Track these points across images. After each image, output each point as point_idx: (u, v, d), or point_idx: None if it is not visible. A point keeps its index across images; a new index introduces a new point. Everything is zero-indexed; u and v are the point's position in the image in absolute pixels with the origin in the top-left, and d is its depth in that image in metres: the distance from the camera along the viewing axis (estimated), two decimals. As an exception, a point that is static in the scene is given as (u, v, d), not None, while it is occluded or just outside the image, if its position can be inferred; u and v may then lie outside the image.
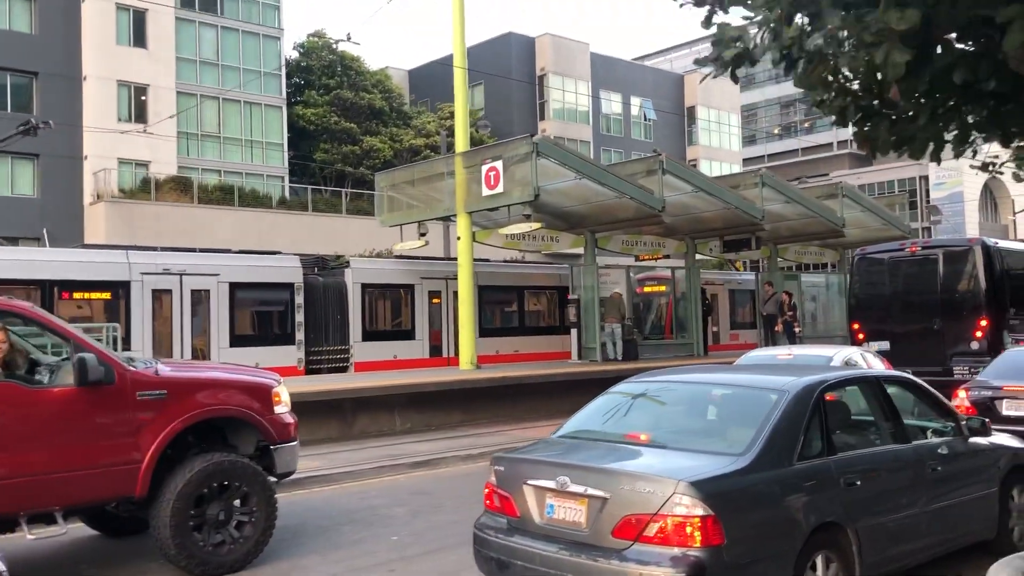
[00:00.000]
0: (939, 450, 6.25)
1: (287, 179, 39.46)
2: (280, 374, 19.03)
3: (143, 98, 34.99)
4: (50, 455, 6.36)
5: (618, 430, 5.89)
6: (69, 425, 6.45)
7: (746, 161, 56.30)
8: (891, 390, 6.35)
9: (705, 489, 4.62)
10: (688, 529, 4.56)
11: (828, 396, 5.67)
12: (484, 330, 23.22)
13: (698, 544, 4.51)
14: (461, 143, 19.59)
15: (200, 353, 18.81)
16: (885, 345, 15.49)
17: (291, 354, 19.99)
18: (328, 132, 41.45)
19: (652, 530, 4.65)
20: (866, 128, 4.17)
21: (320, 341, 20.62)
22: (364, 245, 28.11)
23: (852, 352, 12.26)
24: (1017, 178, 5.38)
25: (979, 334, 14.89)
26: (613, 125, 50.59)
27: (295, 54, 44.06)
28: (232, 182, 35.93)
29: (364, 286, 21.31)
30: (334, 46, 40.04)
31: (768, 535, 4.89)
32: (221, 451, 7.31)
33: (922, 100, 3.75)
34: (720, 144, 54.66)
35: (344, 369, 20.82)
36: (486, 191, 18.27)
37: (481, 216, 20.84)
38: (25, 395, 6.45)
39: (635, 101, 51.46)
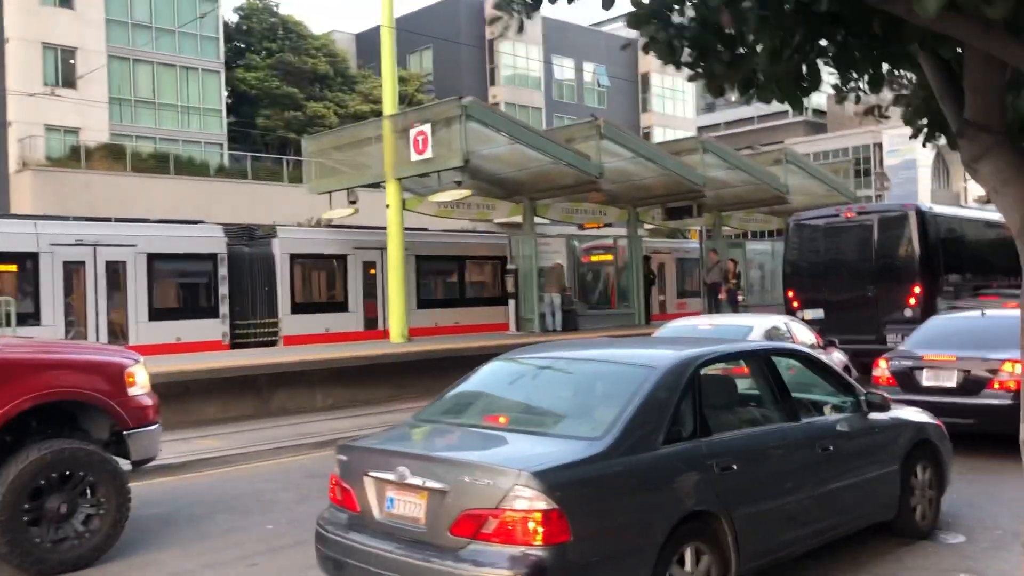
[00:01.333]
0: (834, 428, 5.79)
1: (226, 146, 38.27)
2: (204, 349, 18.59)
3: (71, 61, 33.54)
4: None
5: (478, 412, 5.37)
6: None
7: (701, 129, 55.85)
8: (784, 364, 5.87)
9: (548, 480, 4.10)
10: (529, 525, 4.04)
11: (705, 373, 5.18)
12: (422, 301, 22.65)
13: (540, 542, 4.02)
14: (389, 105, 18.79)
15: (118, 329, 17.98)
16: (819, 313, 15.15)
17: (215, 328, 19.22)
18: (270, 97, 40.25)
19: (491, 527, 4.12)
20: (700, 68, 3.64)
21: (246, 314, 19.85)
22: (306, 214, 27.22)
23: (777, 321, 11.87)
24: (909, 125, 4.87)
25: (912, 301, 14.58)
26: (566, 91, 49.83)
27: (235, 17, 42.67)
28: (168, 149, 34.69)
29: (293, 256, 20.54)
30: (275, 8, 38.73)
31: (624, 528, 4.39)
32: (68, 437, 6.62)
33: (758, 29, 3.24)
34: (675, 111, 54.19)
35: (273, 343, 20.10)
36: (415, 156, 17.55)
37: (415, 183, 20.14)
38: None
39: (588, 67, 50.69)
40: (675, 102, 54.27)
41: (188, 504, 8.30)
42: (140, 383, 6.94)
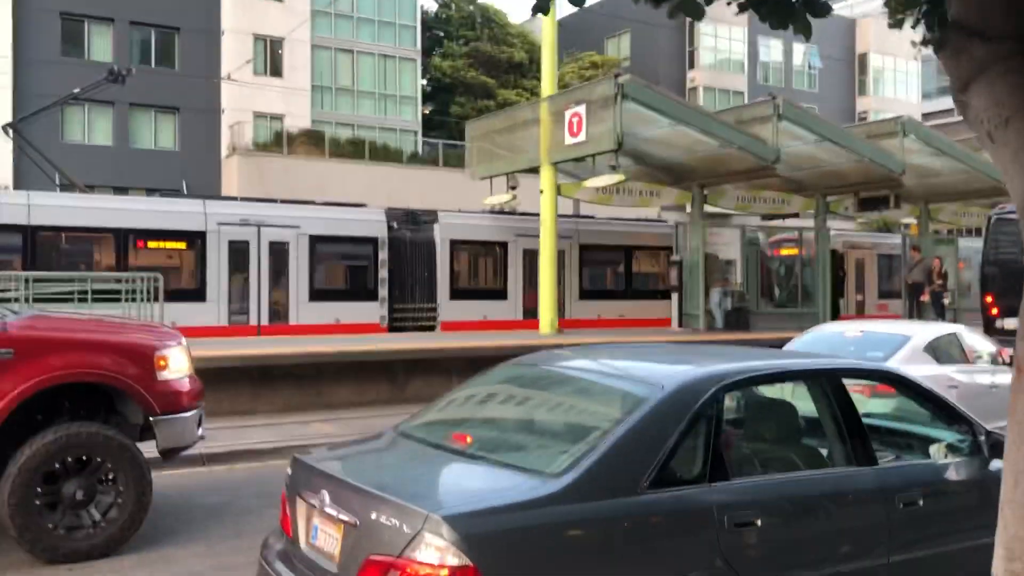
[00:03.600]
0: (929, 476, 4.37)
1: (420, 134, 39.06)
2: (363, 331, 18.76)
3: (279, 51, 35.41)
4: None
5: (450, 428, 4.43)
6: None
7: (926, 116, 50.83)
8: (859, 390, 4.51)
9: (465, 527, 3.14)
10: None
11: (732, 396, 4.08)
12: (584, 292, 21.80)
13: None
14: (547, 86, 18.00)
15: (279, 308, 18.48)
16: (1024, 324, 12.78)
17: (373, 311, 19.34)
18: (464, 86, 40.67)
19: None
20: None
21: (405, 298, 19.87)
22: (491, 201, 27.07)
23: (946, 330, 9.97)
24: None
25: None
26: (772, 74, 46.82)
27: (434, 6, 43.49)
28: (364, 136, 35.88)
29: (453, 242, 20.32)
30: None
31: None
32: (104, 421, 6.41)
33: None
34: (896, 95, 49.56)
35: (431, 328, 20.01)
36: (569, 139, 16.68)
37: (574, 168, 19.27)
38: None
39: (799, 48, 47.36)
40: (896, 85, 49.64)
41: (249, 495, 7.96)
42: (174, 367, 6.54)
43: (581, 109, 16.31)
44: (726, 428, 3.91)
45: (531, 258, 20.90)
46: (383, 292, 19.45)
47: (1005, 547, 2.57)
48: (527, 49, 43.11)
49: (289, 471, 4.22)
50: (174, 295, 16.45)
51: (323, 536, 3.72)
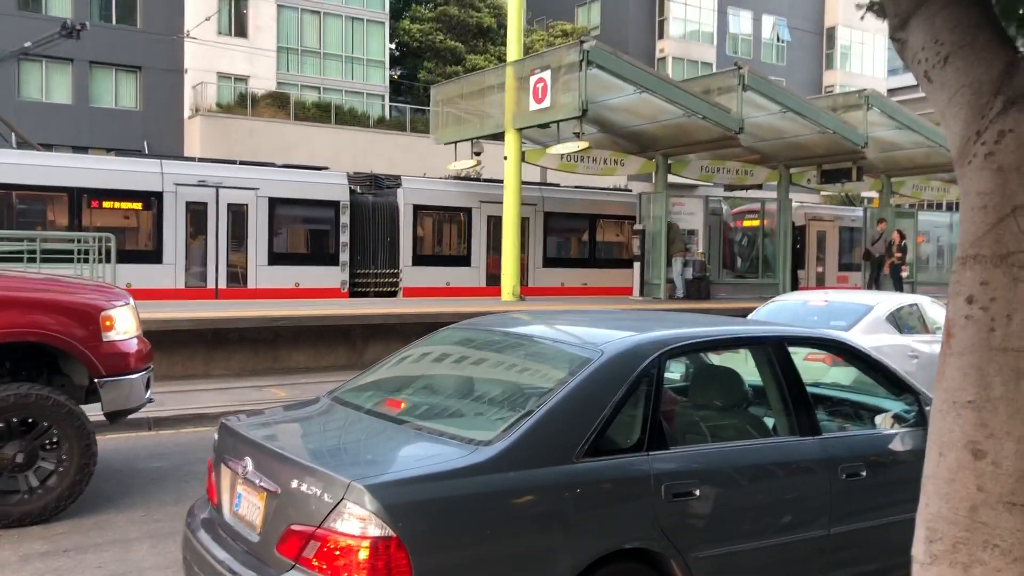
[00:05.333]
0: (873, 446, 4.32)
1: (387, 98, 38.55)
2: (323, 296, 18.54)
3: (244, 11, 34.64)
4: None
5: (384, 393, 4.32)
6: None
7: (892, 92, 51.08)
8: (809, 358, 4.46)
9: (387, 497, 3.02)
10: (357, 556, 2.99)
11: (675, 363, 4.01)
12: (548, 260, 21.74)
13: None
14: (514, 51, 17.76)
15: (238, 272, 18.19)
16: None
17: (334, 275, 19.12)
18: (432, 50, 40.11)
19: (312, 550, 3.12)
20: None
21: (367, 264, 19.66)
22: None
23: (908, 301, 10.03)
24: None
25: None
26: (741, 46, 46.70)
27: (403, -32, 42.73)
28: (330, 99, 35.34)
29: (417, 207, 20.09)
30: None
31: (502, 569, 3.24)
32: (48, 383, 6.24)
33: None
34: (862, 70, 49.72)
35: (393, 294, 19.84)
36: (534, 105, 16.50)
37: (539, 135, 19.10)
38: None
39: (768, 20, 47.29)
40: (863, 60, 49.77)
41: (195, 460, 7.81)
42: (121, 327, 6.31)
43: (546, 75, 16.13)
44: (667, 395, 3.84)
45: (495, 225, 20.75)
46: (344, 257, 19.22)
47: (927, 526, 2.46)
48: (496, 14, 42.56)
49: (216, 437, 4.10)
50: (130, 257, 16.15)
51: (246, 504, 3.61)
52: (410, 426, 3.74)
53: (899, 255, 21.56)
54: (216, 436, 4.12)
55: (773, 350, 4.24)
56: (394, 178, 20.53)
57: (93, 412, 6.40)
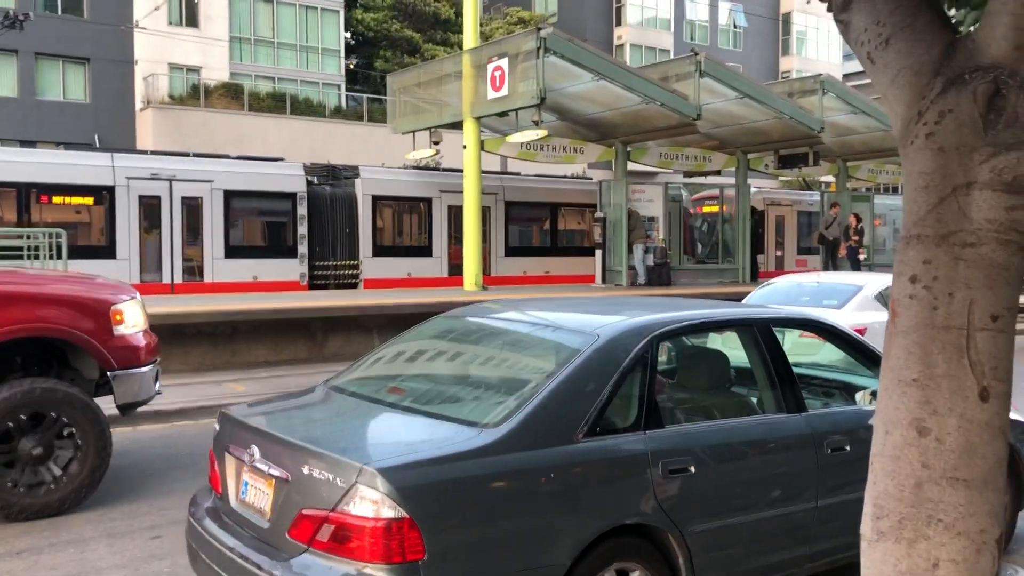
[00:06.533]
0: (856, 422, 4.45)
1: (343, 87, 38.18)
2: (282, 289, 18.36)
3: (195, 1, 34.06)
4: None
5: (384, 382, 4.48)
6: None
7: (847, 76, 51.73)
8: (792, 339, 4.68)
9: (399, 479, 3.13)
10: (369, 537, 3.11)
11: (668, 345, 4.28)
12: (510, 249, 21.72)
13: (382, 560, 3.08)
14: (470, 38, 17.67)
15: (194, 265, 17.94)
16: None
17: (292, 268, 18.93)
18: (389, 39, 39.78)
19: (326, 533, 3.23)
20: None
21: (326, 255, 19.49)
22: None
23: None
24: None
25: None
26: (698, 33, 47.00)
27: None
28: (285, 89, 34.91)
29: (376, 198, 19.95)
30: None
31: (509, 546, 3.35)
32: (57, 377, 6.32)
33: None
34: (818, 56, 50.29)
35: (353, 285, 19.70)
36: (492, 93, 16.44)
37: (498, 123, 19.04)
38: None
39: (724, 6, 47.60)
40: (819, 45, 50.35)
41: (152, 457, 7.71)
42: (130, 321, 6.44)
43: (503, 63, 16.07)
44: (660, 377, 3.96)
45: (456, 214, 20.67)
46: (302, 249, 19.04)
47: (874, 503, 2.47)
48: (453, 4, 42.33)
49: (217, 427, 4.18)
50: (83, 252, 15.82)
51: (253, 492, 3.70)
52: (413, 412, 3.89)
53: (856, 238, 21.88)
54: (217, 426, 4.18)
55: (759, 331, 4.41)
56: (352, 168, 20.35)
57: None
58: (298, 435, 3.78)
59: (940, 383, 2.34)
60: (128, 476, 7.07)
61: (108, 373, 6.28)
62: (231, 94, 33.33)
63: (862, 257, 22.36)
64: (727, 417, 4.30)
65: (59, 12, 31.64)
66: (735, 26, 48.38)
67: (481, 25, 42.93)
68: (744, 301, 10.52)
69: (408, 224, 21.07)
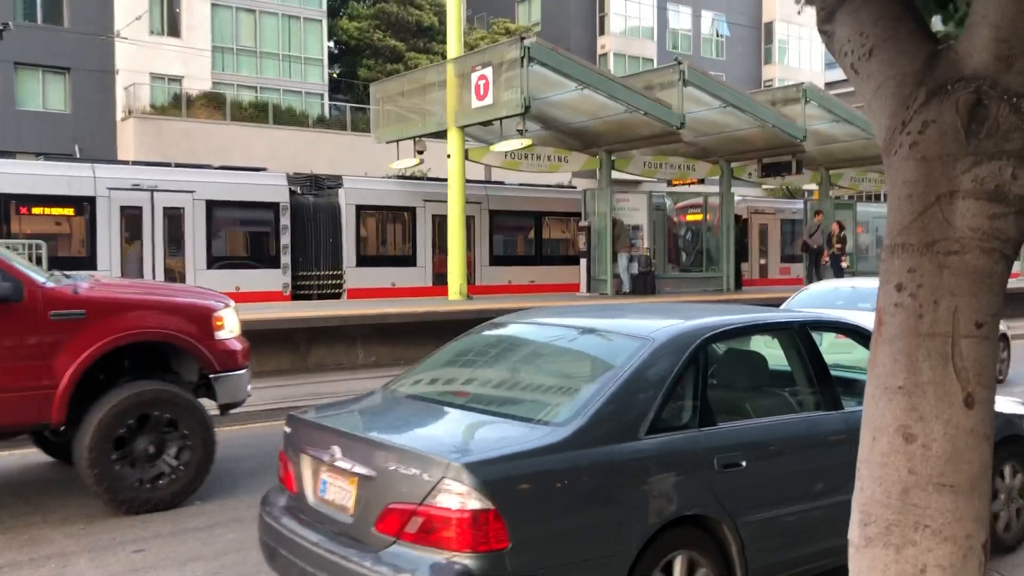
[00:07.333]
0: None
1: (326, 97, 38.11)
2: (265, 299, 18.26)
3: (176, 10, 33.94)
4: None
5: (447, 384, 4.76)
6: None
7: (830, 85, 52.17)
8: (828, 340, 5.07)
9: (484, 474, 3.36)
10: (458, 527, 3.33)
11: (717, 348, 4.46)
12: (495, 258, 21.73)
13: (470, 548, 3.32)
14: (454, 47, 17.71)
15: (176, 276, 17.83)
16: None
17: (275, 279, 18.85)
18: (372, 49, 39.78)
19: (414, 526, 3.44)
20: None
21: (310, 266, 19.42)
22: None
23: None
24: None
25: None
26: (681, 41, 47.28)
27: (340, -35, 42.30)
28: (268, 99, 34.81)
29: (359, 208, 19.91)
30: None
31: (584, 535, 3.59)
32: (159, 379, 6.65)
33: None
34: (800, 64, 50.71)
35: (337, 296, 19.64)
36: (476, 103, 16.48)
37: (482, 132, 19.07)
38: None
39: (707, 15, 47.92)
40: (801, 54, 50.75)
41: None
42: (229, 327, 6.84)
43: (488, 72, 16.11)
44: (711, 377, 4.23)
45: (440, 224, 20.65)
46: (285, 259, 18.98)
47: (861, 510, 2.51)
48: (436, 12, 42.37)
49: (288, 429, 4.37)
50: (63, 263, 15.59)
51: (333, 489, 3.88)
52: (482, 412, 4.14)
53: (839, 246, 22.03)
54: (287, 428, 4.37)
55: (798, 334, 4.67)
56: (335, 178, 20.32)
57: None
58: (381, 435, 4.02)
59: (926, 390, 2.36)
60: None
61: (210, 375, 6.70)
62: (213, 104, 33.18)
63: (845, 265, 22.51)
64: (770, 415, 4.51)
65: (39, 21, 31.46)
66: (718, 35, 48.72)
67: (465, 35, 43.14)
68: (784, 305, 11.23)
69: (392, 234, 21.04)
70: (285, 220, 18.81)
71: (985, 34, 2.32)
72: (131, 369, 6.63)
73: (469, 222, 19.64)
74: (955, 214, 2.34)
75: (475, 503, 3.30)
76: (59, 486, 7.10)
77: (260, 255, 18.90)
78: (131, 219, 17.16)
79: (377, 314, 15.12)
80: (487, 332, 5.09)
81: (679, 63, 17.95)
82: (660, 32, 46.00)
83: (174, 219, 17.65)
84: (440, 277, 20.90)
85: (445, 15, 42.28)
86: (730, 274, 21.81)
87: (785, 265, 26.87)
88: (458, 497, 3.32)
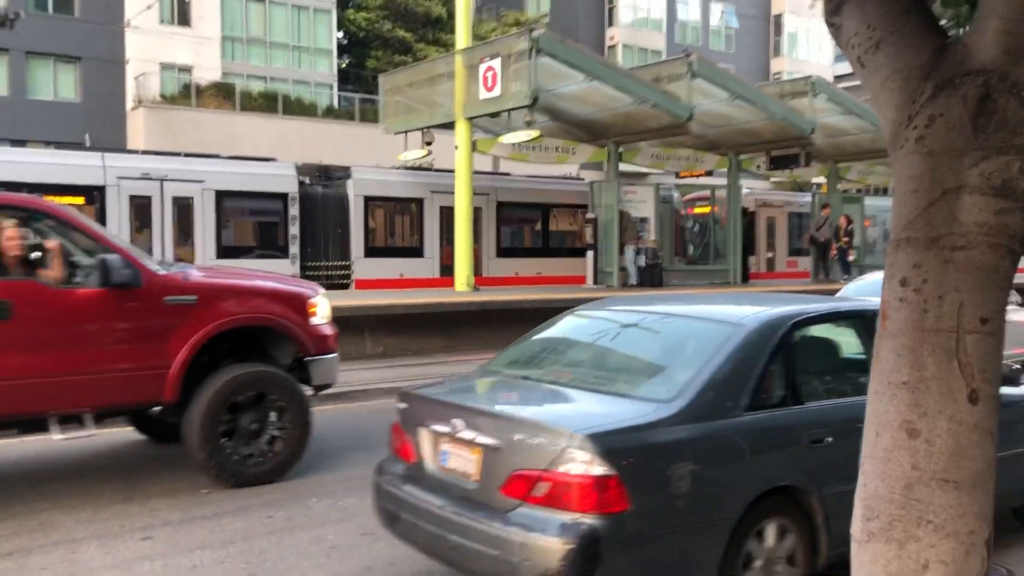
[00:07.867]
0: None
1: (336, 87, 38.08)
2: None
3: (186, 0, 33.94)
4: (73, 356, 6.14)
5: (545, 367, 5.05)
6: (93, 327, 6.23)
7: (838, 78, 51.88)
8: None
9: (606, 443, 3.72)
10: (582, 491, 3.69)
11: (801, 333, 4.65)
12: (502, 250, 21.70)
13: (594, 510, 3.67)
14: (463, 38, 17.67)
15: (185, 264, 17.86)
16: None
17: (284, 268, 18.77)
18: (381, 39, 39.71)
19: (541, 490, 3.78)
20: None
21: (318, 256, 19.43)
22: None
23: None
24: None
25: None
26: (690, 33, 47.05)
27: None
28: (277, 89, 34.80)
29: (367, 199, 19.90)
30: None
31: (693, 501, 3.94)
32: (258, 361, 7.01)
33: None
34: (809, 57, 50.43)
35: (345, 286, 19.65)
36: (484, 94, 16.44)
37: (490, 124, 19.04)
38: (46, 294, 6.10)
39: (716, 7, 47.69)
40: (810, 47, 50.48)
41: (149, 457, 7.68)
42: (322, 313, 7.20)
43: (496, 63, 16.08)
44: (797, 360, 4.50)
45: (448, 215, 20.60)
46: (294, 249, 18.99)
47: (864, 505, 2.52)
48: (445, 3, 42.29)
49: (402, 405, 4.71)
50: (72, 252, 15.74)
51: (455, 459, 4.21)
52: (589, 390, 4.45)
53: (846, 239, 21.98)
54: (401, 404, 4.70)
55: (873, 321, 4.72)
56: (344, 169, 20.30)
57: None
58: (502, 408, 4.36)
59: (930, 385, 2.36)
60: (114, 478, 7.05)
61: (306, 358, 7.06)
62: (223, 94, 33.19)
63: (852, 258, 22.46)
64: (847, 396, 4.72)
65: (50, 11, 31.52)
66: (727, 27, 48.49)
67: (474, 27, 43.04)
68: (839, 293, 11.29)
69: (400, 225, 21.04)
70: (294, 210, 18.83)
71: (994, 27, 2.31)
72: (232, 352, 6.94)
73: (476, 214, 19.61)
74: (961, 209, 2.33)
75: (598, 469, 3.63)
76: (67, 473, 7.16)
77: (269, 245, 18.92)
78: (140, 208, 17.20)
79: (384, 304, 15.15)
80: (572, 320, 5.40)
81: (688, 55, 17.90)
82: (669, 24, 45.80)
83: (183, 209, 17.68)
84: (447, 268, 20.87)
85: (454, 6, 42.33)
86: (737, 267, 21.77)
87: (792, 258, 26.76)
88: (583, 464, 3.65)
